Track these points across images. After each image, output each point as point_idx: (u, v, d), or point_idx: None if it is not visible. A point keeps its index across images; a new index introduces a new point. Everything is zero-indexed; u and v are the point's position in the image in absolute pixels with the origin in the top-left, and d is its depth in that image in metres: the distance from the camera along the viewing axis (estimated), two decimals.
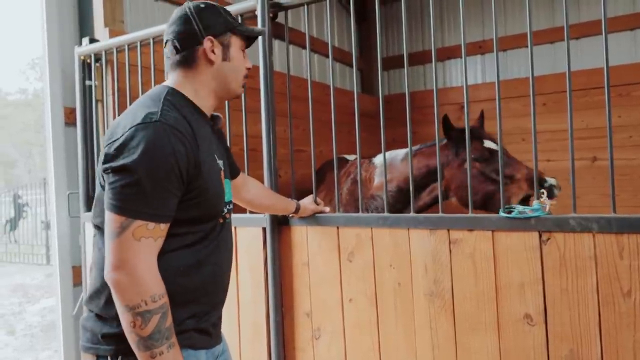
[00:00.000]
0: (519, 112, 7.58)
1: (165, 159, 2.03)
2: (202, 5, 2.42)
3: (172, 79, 2.40)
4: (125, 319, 2.01)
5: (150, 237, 2.04)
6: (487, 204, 4.20)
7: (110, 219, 2.03)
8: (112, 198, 2.03)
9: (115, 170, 2.02)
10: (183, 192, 2.14)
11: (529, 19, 2.83)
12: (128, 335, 2.03)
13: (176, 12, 2.43)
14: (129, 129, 2.07)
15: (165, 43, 2.43)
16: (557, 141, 7.43)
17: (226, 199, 2.41)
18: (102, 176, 2.14)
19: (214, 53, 2.39)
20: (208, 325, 2.34)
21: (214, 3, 2.50)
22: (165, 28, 3.91)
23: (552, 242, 2.68)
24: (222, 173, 2.38)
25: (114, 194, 2.02)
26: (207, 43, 2.36)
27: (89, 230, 4.55)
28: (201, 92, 2.39)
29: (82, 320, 2.30)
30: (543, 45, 7.89)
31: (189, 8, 2.39)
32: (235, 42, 2.49)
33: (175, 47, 2.36)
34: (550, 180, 3.81)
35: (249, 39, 2.58)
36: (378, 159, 4.88)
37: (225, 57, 2.43)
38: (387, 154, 4.65)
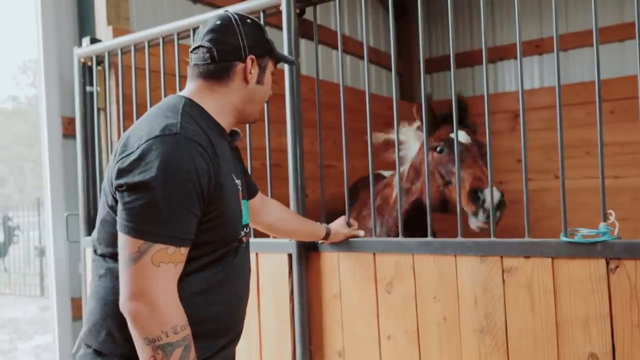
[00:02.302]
0: (583, 122, 7.55)
1: (186, 175, 2.06)
2: (249, 21, 2.47)
3: (193, 88, 2.43)
4: (144, 354, 2.04)
5: (170, 262, 2.07)
6: (443, 207, 4.28)
7: (126, 243, 2.05)
8: (127, 219, 2.05)
9: (130, 188, 2.05)
10: (202, 213, 2.17)
11: (594, 14, 2.83)
12: None
13: (217, 18, 2.45)
14: (146, 141, 2.10)
15: (196, 48, 2.44)
16: (626, 155, 7.38)
17: (243, 221, 2.44)
18: (112, 194, 2.16)
19: (251, 74, 2.44)
20: None
21: (258, 21, 2.57)
22: (176, 26, 3.97)
23: (621, 270, 2.66)
24: (240, 194, 2.40)
25: (130, 214, 2.05)
26: (248, 62, 2.42)
27: (90, 257, 4.57)
28: (224, 109, 2.43)
29: (78, 357, 2.33)
30: (610, 44, 7.86)
31: (235, 19, 2.43)
32: (270, 67, 2.57)
33: (212, 55, 2.38)
34: (489, 195, 3.65)
35: (276, 63, 2.65)
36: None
37: (260, 80, 2.50)
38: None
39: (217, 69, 2.39)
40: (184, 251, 2.11)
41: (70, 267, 5.13)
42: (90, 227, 4.71)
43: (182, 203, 2.06)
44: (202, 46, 2.40)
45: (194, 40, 2.52)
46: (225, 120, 2.44)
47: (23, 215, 20.94)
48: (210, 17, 2.52)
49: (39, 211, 17.86)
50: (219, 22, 2.42)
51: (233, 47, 2.39)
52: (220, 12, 2.54)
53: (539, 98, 8.03)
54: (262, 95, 2.55)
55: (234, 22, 2.42)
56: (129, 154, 2.10)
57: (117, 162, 2.13)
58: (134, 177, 2.04)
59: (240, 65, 2.41)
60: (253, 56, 2.43)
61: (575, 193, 6.59)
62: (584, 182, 7.18)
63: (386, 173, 5.72)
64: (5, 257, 20.39)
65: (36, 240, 18.88)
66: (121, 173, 2.08)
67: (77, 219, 4.89)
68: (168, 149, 2.07)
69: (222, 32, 2.40)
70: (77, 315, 5.05)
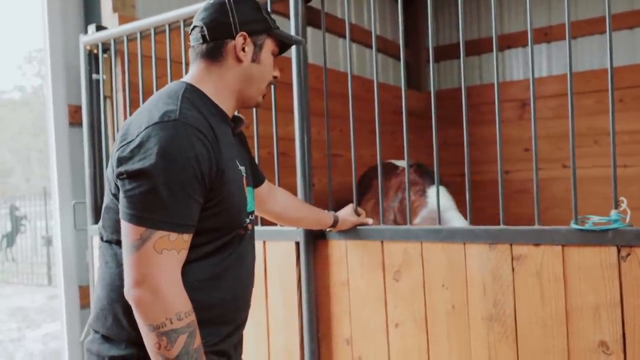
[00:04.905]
0: (592, 110, 7.53)
1: (186, 161, 2.05)
2: None
3: (193, 72, 2.43)
4: (149, 340, 2.05)
5: (173, 249, 2.07)
6: None
7: (129, 230, 2.06)
8: (128, 207, 2.05)
9: (131, 176, 2.05)
10: (204, 200, 2.17)
11: (607, 1, 2.81)
12: (154, 358, 2.07)
13: None
14: (145, 128, 2.09)
15: (193, 29, 2.44)
16: (635, 144, 7.36)
17: (248, 208, 2.44)
18: (114, 182, 2.16)
19: (244, 51, 2.41)
20: (227, 347, 2.38)
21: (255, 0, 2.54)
22: (182, 13, 3.96)
23: (632, 258, 2.65)
24: (244, 180, 2.40)
25: (131, 202, 2.05)
26: (239, 39, 2.39)
27: (97, 244, 4.55)
28: (223, 91, 2.42)
29: (86, 342, 2.35)
30: (620, 31, 7.80)
31: None
32: (269, 45, 2.52)
33: (203, 35, 2.38)
34: None
35: (282, 45, 2.62)
36: (432, 196, 4.95)
37: (255, 59, 2.46)
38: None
39: (210, 48, 2.39)
40: (186, 238, 2.11)
41: (77, 255, 5.13)
42: (97, 215, 4.70)
43: (182, 189, 2.05)
44: (197, 26, 2.41)
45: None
46: (226, 104, 2.43)
47: (30, 204, 20.91)
48: None
49: (46, 201, 17.89)
50: (212, 1, 2.42)
51: (221, 25, 2.37)
52: None
53: (547, 86, 8.00)
54: (260, 75, 2.50)
55: (226, 0, 2.40)
56: (129, 142, 2.10)
57: (117, 150, 2.13)
58: (134, 165, 2.04)
59: (231, 43, 2.39)
60: (245, 33, 2.39)
61: (584, 182, 6.58)
62: (592, 171, 7.15)
63: (398, 162, 5.72)
64: (13, 246, 20.44)
65: (43, 229, 18.88)
66: (121, 161, 2.09)
67: (84, 207, 4.89)
68: (167, 135, 2.06)
69: (214, 10, 2.39)
70: (84, 303, 5.06)
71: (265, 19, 2.49)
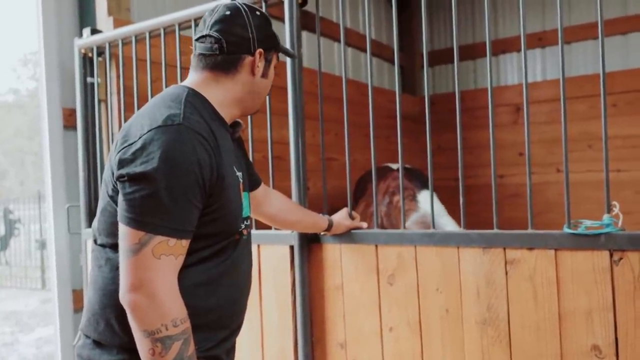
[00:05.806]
0: (585, 115, 7.54)
1: (188, 166, 2.04)
2: (258, 13, 2.44)
3: (197, 78, 2.40)
4: (143, 346, 2.03)
5: (171, 254, 2.05)
6: None
7: (127, 234, 2.04)
8: (128, 210, 2.03)
9: (132, 179, 2.03)
10: (203, 206, 2.16)
11: (599, 6, 2.82)
12: None
13: (225, 7, 2.40)
14: (148, 131, 2.08)
15: (202, 37, 2.39)
16: (628, 148, 7.37)
17: (244, 214, 2.43)
18: (113, 184, 2.15)
19: (258, 67, 2.42)
20: (220, 352, 2.37)
21: (266, 13, 2.56)
22: (177, 16, 3.95)
23: (625, 262, 2.65)
24: (241, 186, 2.39)
25: (131, 205, 2.03)
26: (257, 55, 2.39)
27: (90, 247, 4.53)
28: (228, 101, 2.41)
29: (77, 347, 2.35)
30: (613, 36, 7.83)
31: (245, 10, 2.39)
32: (274, 60, 2.55)
33: (221, 47, 2.34)
34: None
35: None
36: (423, 201, 4.93)
37: (265, 74, 2.49)
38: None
39: (225, 61, 2.36)
40: (185, 243, 2.10)
41: (71, 259, 5.13)
42: (91, 218, 4.68)
43: (183, 194, 2.04)
44: (210, 36, 2.35)
45: (197, 29, 2.47)
46: (228, 112, 2.42)
47: (24, 208, 20.90)
48: (215, 5, 2.47)
49: (40, 204, 17.85)
50: (228, 12, 2.37)
51: (243, 40, 2.36)
52: (225, 0, 2.50)
53: (541, 91, 8.01)
54: (265, 88, 2.53)
55: (243, 13, 2.38)
56: (131, 144, 2.08)
57: (118, 152, 2.11)
58: (136, 168, 2.02)
59: (248, 58, 2.39)
60: (261, 50, 2.40)
61: (577, 186, 6.60)
62: (586, 176, 7.16)
63: (394, 166, 5.73)
64: (7, 250, 20.36)
65: (37, 233, 18.86)
66: (122, 163, 2.06)
67: (78, 211, 4.87)
68: (170, 139, 2.05)
69: (232, 23, 2.36)
70: (78, 307, 5.05)
71: (275, 34, 2.51)
